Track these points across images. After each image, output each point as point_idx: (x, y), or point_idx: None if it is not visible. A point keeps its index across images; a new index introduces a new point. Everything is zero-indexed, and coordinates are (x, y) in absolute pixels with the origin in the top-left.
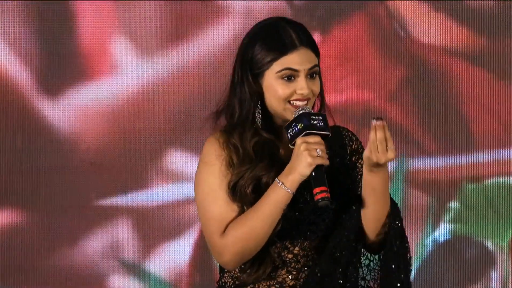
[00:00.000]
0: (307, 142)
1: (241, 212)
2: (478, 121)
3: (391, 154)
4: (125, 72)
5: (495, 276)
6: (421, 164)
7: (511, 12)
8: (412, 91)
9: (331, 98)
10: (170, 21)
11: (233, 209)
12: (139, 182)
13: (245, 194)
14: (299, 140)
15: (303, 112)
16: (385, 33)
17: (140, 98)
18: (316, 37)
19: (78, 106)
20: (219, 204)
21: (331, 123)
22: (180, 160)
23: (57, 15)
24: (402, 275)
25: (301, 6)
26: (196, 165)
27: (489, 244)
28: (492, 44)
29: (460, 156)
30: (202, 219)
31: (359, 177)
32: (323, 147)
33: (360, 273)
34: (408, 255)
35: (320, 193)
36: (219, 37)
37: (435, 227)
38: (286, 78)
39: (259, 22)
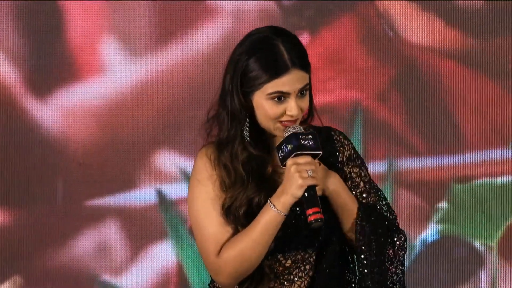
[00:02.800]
0: (297, 164)
1: (236, 232)
2: (467, 122)
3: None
4: (114, 72)
5: (484, 276)
6: (410, 164)
7: (499, 12)
8: (401, 92)
9: (319, 99)
10: (159, 21)
11: (227, 230)
12: (128, 183)
13: (238, 217)
14: (289, 162)
15: (292, 133)
16: (374, 33)
17: (129, 99)
18: (305, 37)
19: (67, 106)
20: (214, 225)
21: (319, 125)
22: (169, 161)
23: (46, 14)
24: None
25: (289, 7)
26: (184, 164)
27: (478, 244)
28: (481, 44)
29: (449, 156)
30: (197, 238)
31: (353, 187)
32: (314, 167)
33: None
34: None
35: (313, 214)
36: (208, 37)
37: (424, 227)
38: (276, 99)
39: (252, 34)
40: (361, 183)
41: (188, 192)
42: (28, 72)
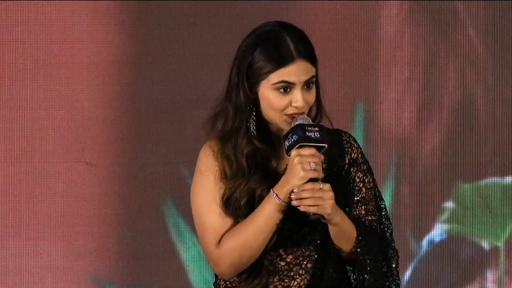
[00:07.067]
0: (300, 155)
1: (235, 223)
2: (473, 120)
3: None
4: (119, 72)
5: (490, 276)
6: (416, 163)
7: (498, 12)
8: (405, 90)
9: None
10: (163, 21)
11: (226, 221)
12: (135, 183)
13: (238, 207)
14: (293, 153)
15: (298, 124)
16: (369, 33)
17: (135, 98)
18: None
19: (72, 105)
20: (213, 216)
21: (329, 127)
22: (175, 160)
23: (52, 15)
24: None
25: (289, 6)
26: (188, 163)
27: (485, 244)
28: (487, 43)
29: (456, 155)
30: (198, 229)
31: (355, 191)
32: (317, 159)
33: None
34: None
35: None
36: (210, 37)
37: (430, 227)
38: (282, 90)
39: (258, 28)
40: (363, 189)
41: (192, 184)
42: (33, 70)
